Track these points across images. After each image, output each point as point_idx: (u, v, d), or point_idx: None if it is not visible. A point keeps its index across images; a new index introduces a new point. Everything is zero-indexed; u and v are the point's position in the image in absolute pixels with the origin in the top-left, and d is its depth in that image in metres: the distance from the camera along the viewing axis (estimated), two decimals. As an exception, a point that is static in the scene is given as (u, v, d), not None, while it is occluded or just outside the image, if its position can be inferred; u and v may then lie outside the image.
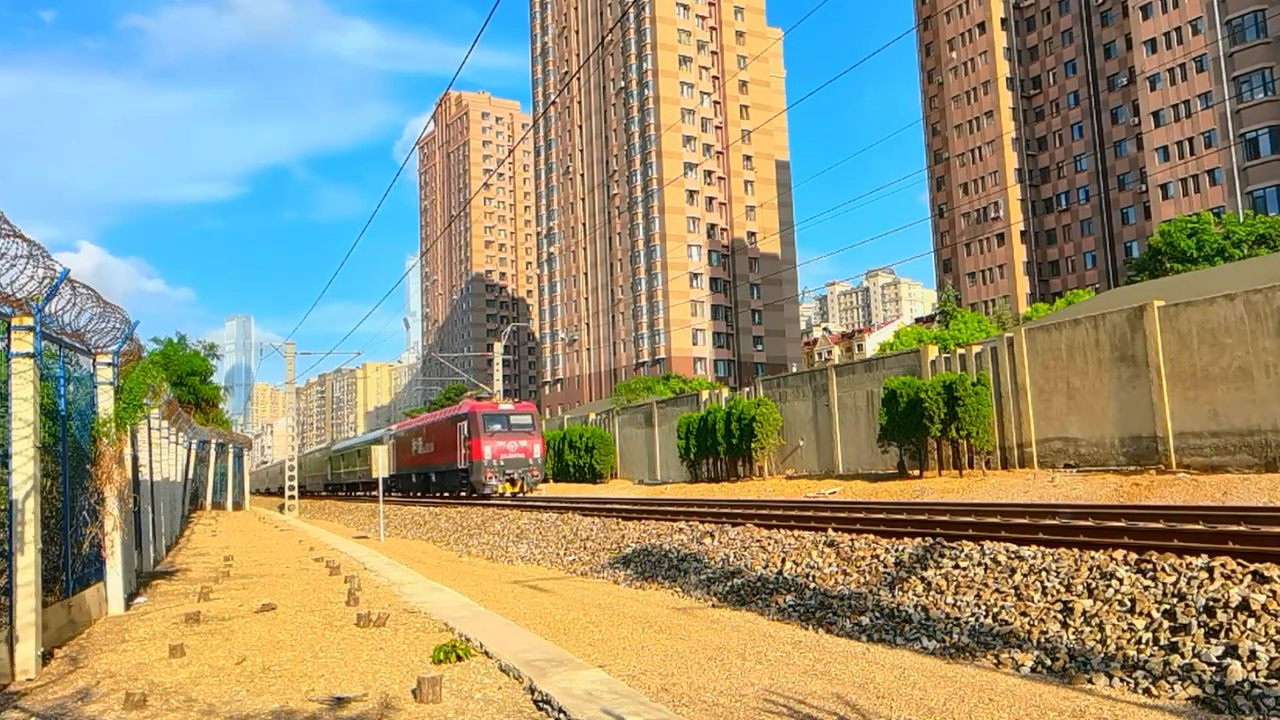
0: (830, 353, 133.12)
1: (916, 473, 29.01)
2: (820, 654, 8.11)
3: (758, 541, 13.95)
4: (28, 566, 7.46)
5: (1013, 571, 9.51)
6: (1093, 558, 9.10)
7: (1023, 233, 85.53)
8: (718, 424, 37.59)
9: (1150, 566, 8.49)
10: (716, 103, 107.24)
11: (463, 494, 36.87)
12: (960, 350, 30.68)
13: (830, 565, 11.84)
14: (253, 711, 6.08)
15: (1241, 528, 10.96)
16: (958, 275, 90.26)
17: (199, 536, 27.22)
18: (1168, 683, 6.81)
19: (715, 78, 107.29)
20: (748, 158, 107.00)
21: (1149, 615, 7.78)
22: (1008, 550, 10.07)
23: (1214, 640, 7.11)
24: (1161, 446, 23.49)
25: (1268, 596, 7.32)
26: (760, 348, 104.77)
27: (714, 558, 13.99)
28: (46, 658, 7.94)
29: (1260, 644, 6.84)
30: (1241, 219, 54.79)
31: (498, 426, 34.64)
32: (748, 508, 19.84)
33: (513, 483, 34.20)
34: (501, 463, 34.12)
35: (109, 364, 10.87)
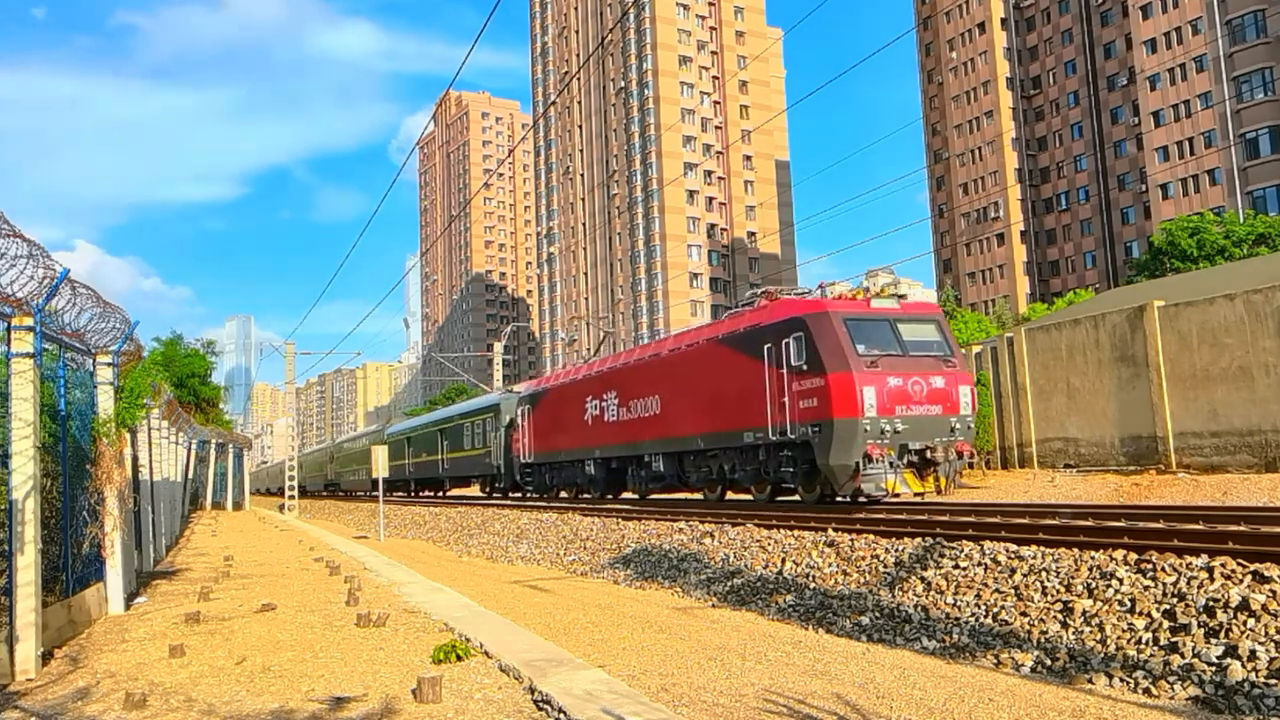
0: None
1: (916, 473, 28.98)
2: (820, 654, 8.11)
3: (757, 541, 13.95)
4: (28, 566, 7.46)
5: (1013, 571, 9.51)
6: (1093, 558, 9.09)
7: (1023, 233, 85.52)
8: (718, 424, 37.27)
9: (1150, 566, 8.49)
10: (716, 103, 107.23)
11: (770, 493, 18.93)
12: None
13: (830, 565, 11.84)
14: (252, 711, 6.08)
15: (1241, 528, 10.96)
16: (958, 275, 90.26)
17: (199, 536, 27.22)
18: (1168, 683, 6.81)
19: (715, 78, 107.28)
20: (748, 158, 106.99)
21: (1149, 615, 7.78)
22: (1008, 550, 10.07)
23: (1214, 640, 7.11)
24: (1161, 446, 23.49)
25: (1268, 596, 7.31)
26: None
27: (714, 557, 13.98)
28: (46, 657, 7.94)
29: (1260, 644, 6.84)
30: (1242, 219, 54.84)
31: (876, 347, 15.46)
32: (747, 508, 19.81)
33: (920, 468, 15.16)
34: (897, 426, 14.91)
35: (109, 364, 10.87)
